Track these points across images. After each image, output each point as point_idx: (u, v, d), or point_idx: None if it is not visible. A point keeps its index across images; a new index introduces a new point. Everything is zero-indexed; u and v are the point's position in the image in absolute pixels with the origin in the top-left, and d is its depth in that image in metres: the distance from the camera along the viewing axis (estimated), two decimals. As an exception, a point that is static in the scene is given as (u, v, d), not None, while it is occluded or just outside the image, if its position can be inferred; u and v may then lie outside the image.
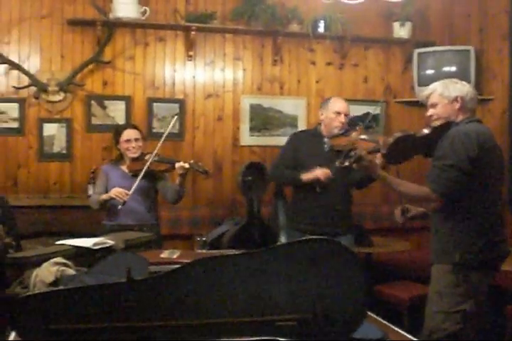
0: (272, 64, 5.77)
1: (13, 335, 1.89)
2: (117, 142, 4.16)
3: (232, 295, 1.73)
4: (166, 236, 4.64)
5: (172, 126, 4.20)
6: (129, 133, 4.13)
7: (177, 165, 3.94)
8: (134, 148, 4.10)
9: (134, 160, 4.12)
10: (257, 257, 1.73)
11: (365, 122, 4.94)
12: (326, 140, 3.96)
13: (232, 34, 5.67)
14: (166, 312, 1.69)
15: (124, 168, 4.17)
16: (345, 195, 4.06)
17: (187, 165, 3.91)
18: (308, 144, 4.06)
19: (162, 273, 1.70)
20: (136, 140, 4.13)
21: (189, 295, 1.69)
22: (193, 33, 5.42)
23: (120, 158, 4.22)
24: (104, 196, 3.97)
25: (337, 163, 3.10)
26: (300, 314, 1.73)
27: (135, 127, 4.28)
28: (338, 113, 3.93)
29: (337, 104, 3.98)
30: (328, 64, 5.93)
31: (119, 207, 3.88)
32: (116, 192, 3.88)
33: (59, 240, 3.50)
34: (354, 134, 3.55)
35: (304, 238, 1.71)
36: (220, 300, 1.72)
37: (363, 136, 3.44)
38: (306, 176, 3.89)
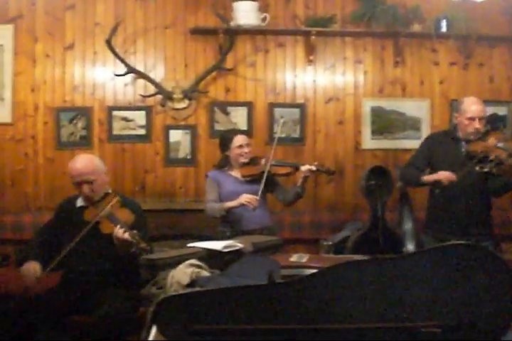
0: (393, 65, 5.66)
1: (153, 334, 1.94)
2: (227, 148, 4.16)
3: (373, 300, 1.70)
4: (287, 240, 4.64)
5: (281, 128, 4.19)
6: (240, 139, 4.13)
7: (302, 168, 3.92)
8: (246, 153, 4.11)
9: (245, 165, 4.13)
10: (399, 262, 1.69)
11: (494, 125, 4.74)
12: (463, 144, 3.85)
13: (352, 37, 5.62)
14: (306, 315, 1.68)
15: (234, 173, 4.17)
16: (483, 202, 3.91)
17: (314, 168, 3.89)
18: (444, 147, 3.96)
19: (304, 276, 1.69)
20: (247, 145, 4.14)
21: (330, 299, 1.67)
22: (313, 37, 5.41)
23: (225, 164, 4.22)
24: (232, 203, 3.91)
25: (477, 168, 3.00)
26: (444, 321, 1.67)
27: (243, 132, 4.31)
28: (472, 119, 3.78)
29: (471, 109, 3.81)
30: (452, 64, 5.75)
31: (249, 212, 3.87)
32: (246, 198, 3.83)
33: (184, 243, 3.59)
34: (491, 140, 3.44)
35: (449, 243, 1.66)
36: (360, 305, 1.69)
37: (500, 144, 3.32)
38: (429, 177, 3.81)
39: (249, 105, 5.48)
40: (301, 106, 5.52)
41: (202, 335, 1.65)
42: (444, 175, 3.71)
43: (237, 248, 3.03)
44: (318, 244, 5.15)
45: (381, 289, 1.71)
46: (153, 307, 1.71)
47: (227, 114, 5.45)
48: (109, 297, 3.25)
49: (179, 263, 2.62)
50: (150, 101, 5.41)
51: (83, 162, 3.48)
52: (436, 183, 3.75)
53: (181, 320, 1.65)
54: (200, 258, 2.72)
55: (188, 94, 5.32)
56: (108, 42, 5.09)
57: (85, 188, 3.41)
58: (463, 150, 3.83)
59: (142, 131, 5.43)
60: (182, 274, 2.37)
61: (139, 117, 5.42)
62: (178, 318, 1.65)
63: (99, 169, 3.49)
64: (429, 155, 3.99)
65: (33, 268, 3.34)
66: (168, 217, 5.10)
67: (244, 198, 3.84)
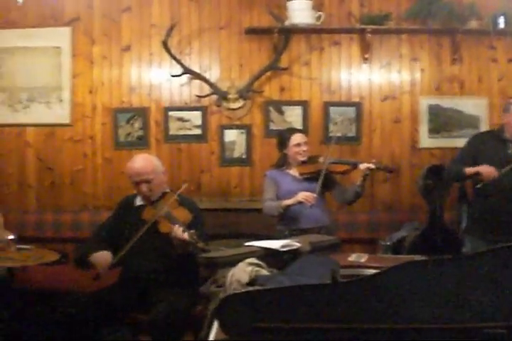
0: (450, 63, 5.56)
1: (214, 331, 1.95)
2: (285, 146, 4.15)
3: (437, 300, 1.66)
4: (342, 239, 4.60)
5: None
6: (298, 138, 4.12)
7: (361, 165, 3.89)
8: (304, 151, 4.10)
9: (303, 163, 4.12)
10: (464, 262, 1.65)
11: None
12: (510, 145, 3.79)
13: (408, 34, 5.54)
14: (368, 314, 1.65)
15: (292, 172, 4.16)
16: None
17: (372, 166, 3.86)
18: (490, 146, 3.91)
19: (368, 276, 1.67)
20: (305, 144, 4.13)
21: (393, 299, 1.64)
22: (368, 35, 5.36)
23: (283, 163, 4.21)
24: (290, 201, 3.90)
25: None
26: (510, 321, 1.63)
27: (301, 131, 4.29)
28: None
29: None
30: (511, 61, 5.61)
31: (307, 209, 3.86)
32: (304, 195, 3.81)
33: (239, 242, 3.60)
34: None
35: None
36: (424, 305, 1.66)
37: None
38: (470, 169, 3.83)
39: (304, 104, 5.46)
40: (357, 105, 5.48)
41: (264, 333, 1.64)
42: (485, 169, 3.70)
43: (294, 247, 3.02)
44: (375, 243, 5.09)
45: (445, 289, 1.68)
46: (217, 305, 1.71)
47: (282, 113, 5.44)
48: (167, 295, 3.29)
49: (237, 261, 2.62)
50: (205, 101, 5.46)
51: (142, 162, 3.53)
52: (477, 176, 3.71)
53: (244, 318, 1.65)
54: (258, 257, 2.72)
55: (243, 94, 5.34)
56: (164, 44, 5.15)
57: (143, 188, 3.44)
58: (509, 151, 3.78)
59: (198, 131, 5.48)
60: (242, 273, 2.37)
61: (195, 117, 5.47)
62: (241, 316, 1.65)
63: (157, 169, 3.53)
64: (474, 153, 3.96)
65: (105, 255, 3.40)
66: (223, 216, 5.12)
67: (301, 195, 3.83)
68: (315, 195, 3.82)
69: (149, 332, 3.25)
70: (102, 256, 3.40)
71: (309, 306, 1.65)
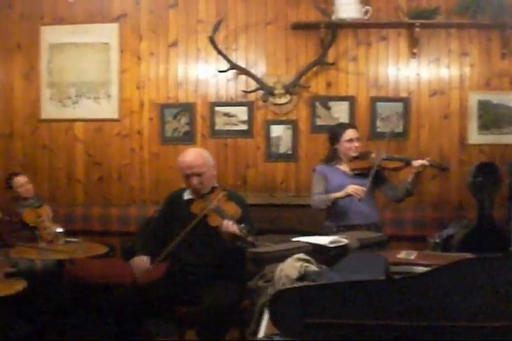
0: (500, 57, 5.43)
1: (264, 326, 1.94)
2: (336, 141, 4.13)
3: (490, 298, 1.63)
4: (389, 237, 4.56)
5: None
6: (351, 133, 4.10)
7: (415, 162, 3.84)
8: (356, 147, 4.07)
9: (354, 159, 4.09)
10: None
11: None
12: None
13: (457, 29, 5.43)
14: (423, 311, 1.63)
15: (342, 167, 4.14)
16: None
17: (426, 163, 3.81)
18: None
19: (422, 273, 1.65)
20: (358, 139, 4.11)
21: (449, 296, 1.61)
22: (416, 29, 5.28)
23: (333, 158, 4.18)
24: (339, 194, 3.88)
25: None
26: None
27: (354, 126, 4.26)
28: None
29: None
30: None
31: (356, 203, 3.84)
32: (353, 188, 3.80)
33: (284, 238, 3.58)
34: None
35: None
36: (479, 303, 1.63)
37: None
38: None
39: (351, 99, 5.41)
40: (405, 100, 5.40)
41: (316, 329, 1.63)
42: None
43: (342, 243, 2.99)
44: (421, 241, 5.02)
45: (498, 287, 1.64)
46: (268, 300, 1.70)
47: (328, 108, 5.41)
48: (213, 289, 3.31)
49: (285, 257, 2.60)
50: (251, 96, 5.45)
51: (193, 155, 3.55)
52: None
53: (296, 313, 1.64)
54: (305, 253, 2.70)
55: (289, 89, 5.32)
56: (211, 39, 5.17)
57: (194, 180, 3.46)
58: None
59: (244, 127, 5.49)
60: (291, 268, 2.35)
61: (241, 113, 5.48)
62: (293, 311, 1.64)
63: (208, 162, 3.55)
64: None
65: (142, 261, 3.47)
66: (268, 211, 5.12)
67: (351, 188, 3.81)
68: (364, 189, 3.79)
69: (194, 325, 3.28)
70: (140, 262, 3.48)
71: (363, 302, 1.63)
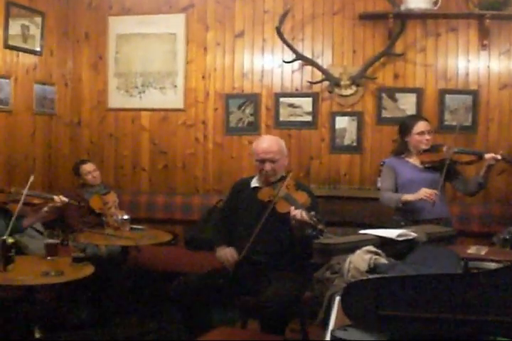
0: None
1: (333, 319, 1.93)
2: (407, 134, 4.06)
3: None
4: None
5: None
6: (423, 126, 4.03)
7: (487, 156, 3.77)
8: (427, 140, 4.00)
9: (425, 152, 4.01)
10: None
11: None
12: None
13: (528, 20, 5.27)
14: (498, 307, 1.59)
15: (412, 160, 4.07)
16: None
17: (499, 157, 3.74)
18: None
19: (500, 268, 1.61)
20: (429, 132, 4.03)
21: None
22: (487, 20, 5.12)
23: (403, 150, 4.12)
24: (411, 197, 3.81)
25: None
26: None
27: (426, 119, 4.18)
28: None
29: None
30: None
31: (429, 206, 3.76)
32: (425, 193, 3.72)
33: (348, 230, 3.55)
34: None
35: None
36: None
37: None
38: None
39: (418, 91, 5.30)
40: (474, 93, 5.26)
41: (388, 321, 1.61)
42: None
43: (411, 237, 2.95)
44: (487, 237, 4.90)
45: None
46: (341, 291, 1.69)
47: (395, 100, 5.31)
48: (277, 279, 3.31)
49: (352, 249, 2.58)
50: (316, 87, 5.42)
51: (271, 141, 3.59)
52: None
53: (369, 305, 1.63)
54: (373, 246, 2.67)
55: (355, 81, 5.26)
56: (277, 30, 5.15)
57: (268, 166, 3.49)
58: None
59: (308, 118, 5.45)
60: (360, 260, 2.34)
61: (306, 103, 5.44)
62: (366, 303, 1.63)
63: (283, 151, 3.58)
64: None
65: (231, 254, 3.51)
66: (331, 203, 5.09)
67: (424, 193, 3.73)
68: (437, 193, 3.72)
69: (258, 314, 3.29)
70: (230, 254, 3.52)
71: (437, 296, 1.60)
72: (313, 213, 3.14)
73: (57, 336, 3.96)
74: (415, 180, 3.86)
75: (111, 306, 4.47)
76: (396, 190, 4.01)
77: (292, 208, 3.23)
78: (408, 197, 3.83)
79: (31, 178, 3.77)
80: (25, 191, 3.71)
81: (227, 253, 3.52)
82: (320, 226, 3.05)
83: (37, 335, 3.57)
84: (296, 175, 5.33)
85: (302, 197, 3.40)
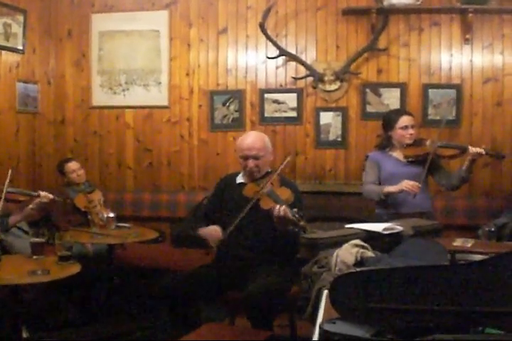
0: (556, 43, 5.29)
1: (321, 312, 1.93)
2: (391, 128, 4.08)
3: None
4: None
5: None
6: (406, 120, 4.05)
7: (471, 150, 3.78)
8: (411, 134, 4.01)
9: (408, 146, 4.03)
10: None
11: None
12: None
13: (511, 14, 5.28)
14: (485, 298, 1.60)
15: (396, 154, 4.09)
16: None
17: (483, 151, 3.75)
18: None
19: (487, 259, 1.62)
20: (413, 127, 4.05)
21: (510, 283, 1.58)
22: (469, 15, 5.15)
23: (387, 145, 4.14)
24: (393, 188, 3.85)
25: None
26: None
27: (410, 113, 4.19)
28: None
29: None
30: None
31: (410, 198, 3.79)
32: (408, 185, 3.75)
33: (334, 225, 3.56)
34: None
35: None
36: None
37: None
38: None
39: (402, 86, 5.32)
40: (457, 87, 5.29)
41: (377, 313, 1.62)
42: None
43: (397, 231, 2.97)
44: (472, 230, 4.94)
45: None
46: (329, 284, 1.69)
47: (379, 95, 5.33)
48: (263, 273, 3.29)
49: (339, 243, 2.60)
50: (301, 83, 5.43)
51: (255, 138, 3.57)
52: None
53: (357, 297, 1.63)
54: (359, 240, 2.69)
55: (339, 76, 5.27)
56: (261, 26, 5.15)
57: (251, 163, 3.48)
58: None
59: (293, 114, 5.46)
60: (347, 254, 2.35)
61: (290, 99, 5.45)
62: (354, 295, 1.63)
63: (267, 147, 3.57)
64: None
65: (215, 231, 3.47)
66: (316, 198, 5.12)
67: (405, 184, 3.76)
68: (419, 185, 3.75)
69: (243, 309, 3.28)
70: (214, 231, 3.47)
71: (425, 288, 1.61)
72: (295, 210, 3.15)
73: (45, 335, 3.93)
74: (398, 174, 3.88)
75: (98, 304, 4.45)
76: (379, 184, 4.03)
77: (276, 205, 3.23)
78: (390, 188, 3.86)
79: (9, 172, 3.72)
80: (5, 186, 3.67)
81: (210, 229, 3.50)
82: (302, 223, 3.06)
83: (24, 335, 3.54)
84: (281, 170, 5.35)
85: (286, 193, 3.40)
